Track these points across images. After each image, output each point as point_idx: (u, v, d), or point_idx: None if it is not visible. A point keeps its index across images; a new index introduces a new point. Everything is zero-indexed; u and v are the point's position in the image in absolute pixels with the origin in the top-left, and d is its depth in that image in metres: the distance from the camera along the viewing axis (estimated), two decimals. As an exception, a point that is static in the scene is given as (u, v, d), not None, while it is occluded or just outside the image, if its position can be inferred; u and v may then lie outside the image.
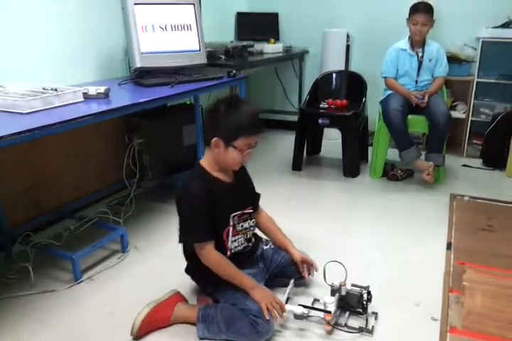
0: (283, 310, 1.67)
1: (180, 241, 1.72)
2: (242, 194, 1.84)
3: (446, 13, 3.63)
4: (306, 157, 3.66)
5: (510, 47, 3.55)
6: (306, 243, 2.34)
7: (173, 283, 1.92)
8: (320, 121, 3.33)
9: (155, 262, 1.91)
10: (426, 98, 3.13)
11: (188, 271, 1.88)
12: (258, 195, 1.98)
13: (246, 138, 1.64)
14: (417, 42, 3.21)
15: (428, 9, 3.12)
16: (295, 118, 3.65)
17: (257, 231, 2.00)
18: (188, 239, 1.70)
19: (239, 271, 1.71)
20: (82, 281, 2.04)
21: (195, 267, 1.81)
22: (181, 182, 1.81)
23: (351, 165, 3.35)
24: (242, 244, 1.83)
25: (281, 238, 2.00)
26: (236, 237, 1.80)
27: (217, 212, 1.70)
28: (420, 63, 3.22)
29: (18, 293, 1.94)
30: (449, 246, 2.34)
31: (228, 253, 1.78)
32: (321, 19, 4.11)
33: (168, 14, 2.64)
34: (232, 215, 1.76)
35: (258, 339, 1.63)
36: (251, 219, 1.87)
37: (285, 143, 3.85)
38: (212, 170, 1.74)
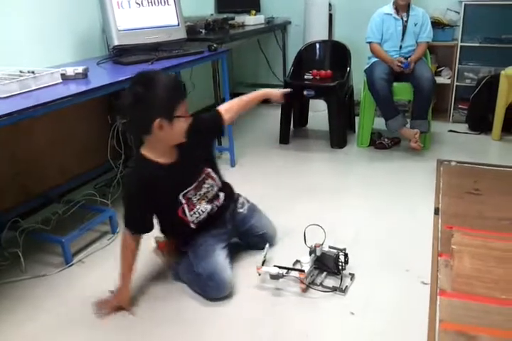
0: (108, 313, 1.73)
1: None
2: (192, 165, 1.80)
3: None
4: (293, 129, 3.64)
5: (493, 9, 3.52)
6: (295, 212, 2.39)
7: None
8: (305, 92, 3.30)
9: (145, 241, 1.92)
10: (412, 65, 3.11)
11: (162, 231, 1.93)
12: (217, 115, 1.93)
13: (182, 103, 1.62)
14: (402, 7, 3.17)
15: None
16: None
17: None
18: (124, 223, 1.74)
19: (129, 270, 1.75)
20: (73, 264, 2.04)
21: (167, 227, 1.90)
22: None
23: (338, 136, 3.34)
24: (204, 211, 1.83)
25: (251, 97, 2.06)
26: (195, 209, 1.81)
27: (163, 196, 1.72)
28: (405, 27, 3.19)
29: (10, 279, 1.94)
30: (436, 211, 2.37)
31: (192, 226, 1.82)
32: (302, -12, 4.02)
33: (143, -11, 2.57)
34: (182, 194, 1.76)
35: (211, 296, 1.77)
36: (210, 179, 1.86)
37: (271, 116, 3.82)
38: (154, 156, 1.70)
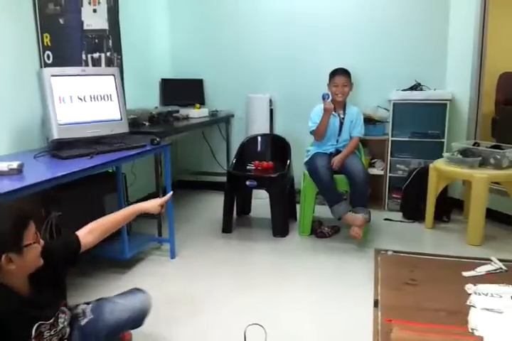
0: None
1: None
2: (49, 297, 1.56)
3: (360, 79, 3.89)
4: (236, 217, 3.67)
5: (419, 107, 3.81)
6: (233, 308, 2.32)
7: None
8: (248, 183, 3.38)
9: None
10: (338, 161, 3.31)
11: None
12: (73, 241, 1.69)
13: (27, 229, 1.44)
14: (339, 104, 3.41)
15: (346, 72, 3.40)
16: (224, 179, 3.68)
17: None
18: None
19: None
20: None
21: None
22: None
23: (280, 225, 3.39)
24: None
25: (123, 215, 1.90)
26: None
27: (11, 333, 1.42)
28: (341, 124, 3.41)
29: None
30: (375, 303, 2.36)
31: None
32: (245, 85, 4.29)
33: (87, 85, 2.64)
34: (35, 327, 1.49)
35: None
36: (63, 313, 1.62)
37: (215, 204, 3.85)
38: (12, 283, 1.45)
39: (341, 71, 3.39)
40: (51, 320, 1.54)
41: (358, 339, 2.07)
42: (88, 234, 1.74)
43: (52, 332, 1.54)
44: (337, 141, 3.44)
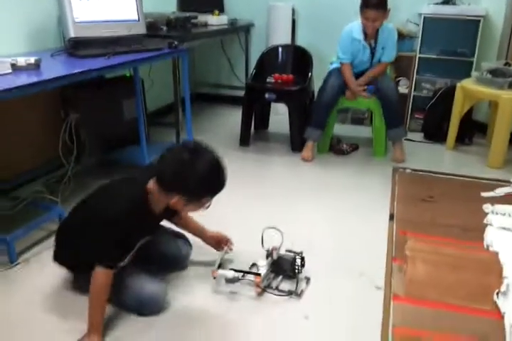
0: None
1: (97, 260, 1.55)
2: (162, 220, 1.82)
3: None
4: (254, 132, 3.62)
5: (450, 23, 3.61)
6: (252, 215, 2.35)
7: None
8: (267, 95, 3.29)
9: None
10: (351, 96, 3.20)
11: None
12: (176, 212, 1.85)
13: (211, 197, 1.59)
14: (371, 34, 3.10)
15: (380, 3, 2.95)
16: (242, 93, 3.58)
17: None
18: (103, 261, 1.55)
19: (102, 314, 1.58)
20: (18, 264, 1.94)
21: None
22: (116, 196, 1.63)
23: (298, 140, 3.34)
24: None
25: (197, 227, 2.00)
26: (131, 257, 1.70)
27: (130, 239, 1.61)
28: (373, 54, 3.16)
29: None
30: (391, 217, 2.39)
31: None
32: (267, -9, 4.02)
33: (103, -19, 2.48)
34: (140, 242, 1.69)
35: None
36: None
37: (233, 118, 3.79)
38: (152, 202, 1.61)
39: (373, 4, 2.94)
40: (148, 237, 1.74)
41: (373, 248, 2.10)
42: (189, 220, 1.97)
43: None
44: (368, 67, 3.22)
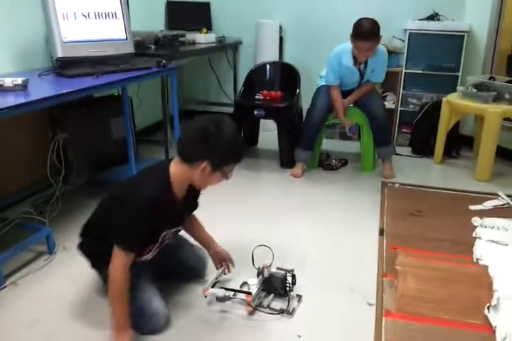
0: None
1: (115, 241, 1.56)
2: (184, 211, 1.79)
3: (376, 5, 3.71)
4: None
5: (435, 39, 3.67)
6: (243, 233, 2.34)
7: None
8: (255, 112, 3.31)
9: (84, 263, 1.82)
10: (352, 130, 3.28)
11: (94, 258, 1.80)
12: (196, 206, 1.89)
13: (235, 164, 1.63)
14: (362, 61, 3.02)
15: (373, 34, 2.82)
16: (231, 109, 3.60)
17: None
18: (123, 243, 1.55)
19: (125, 305, 1.56)
20: (5, 287, 1.90)
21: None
22: (141, 178, 1.71)
23: (287, 156, 3.35)
24: (154, 254, 1.75)
25: (206, 238, 1.99)
26: (155, 251, 1.73)
27: (152, 224, 1.59)
28: (362, 76, 3.12)
29: None
30: (381, 232, 2.40)
31: (136, 260, 1.66)
32: (254, 10, 4.08)
33: (90, 1, 2.49)
34: (163, 234, 1.68)
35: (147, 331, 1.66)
36: (177, 234, 1.84)
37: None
38: (176, 185, 1.62)
39: (367, 35, 2.81)
40: (175, 228, 1.76)
41: (363, 264, 2.10)
42: (197, 223, 1.98)
43: (163, 243, 1.73)
44: (356, 86, 3.21)
